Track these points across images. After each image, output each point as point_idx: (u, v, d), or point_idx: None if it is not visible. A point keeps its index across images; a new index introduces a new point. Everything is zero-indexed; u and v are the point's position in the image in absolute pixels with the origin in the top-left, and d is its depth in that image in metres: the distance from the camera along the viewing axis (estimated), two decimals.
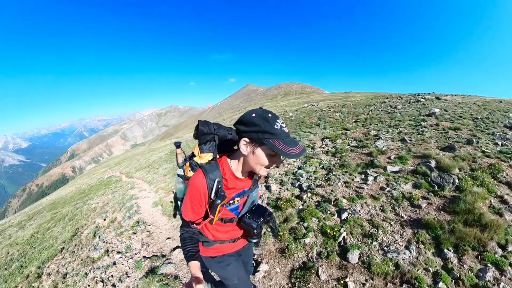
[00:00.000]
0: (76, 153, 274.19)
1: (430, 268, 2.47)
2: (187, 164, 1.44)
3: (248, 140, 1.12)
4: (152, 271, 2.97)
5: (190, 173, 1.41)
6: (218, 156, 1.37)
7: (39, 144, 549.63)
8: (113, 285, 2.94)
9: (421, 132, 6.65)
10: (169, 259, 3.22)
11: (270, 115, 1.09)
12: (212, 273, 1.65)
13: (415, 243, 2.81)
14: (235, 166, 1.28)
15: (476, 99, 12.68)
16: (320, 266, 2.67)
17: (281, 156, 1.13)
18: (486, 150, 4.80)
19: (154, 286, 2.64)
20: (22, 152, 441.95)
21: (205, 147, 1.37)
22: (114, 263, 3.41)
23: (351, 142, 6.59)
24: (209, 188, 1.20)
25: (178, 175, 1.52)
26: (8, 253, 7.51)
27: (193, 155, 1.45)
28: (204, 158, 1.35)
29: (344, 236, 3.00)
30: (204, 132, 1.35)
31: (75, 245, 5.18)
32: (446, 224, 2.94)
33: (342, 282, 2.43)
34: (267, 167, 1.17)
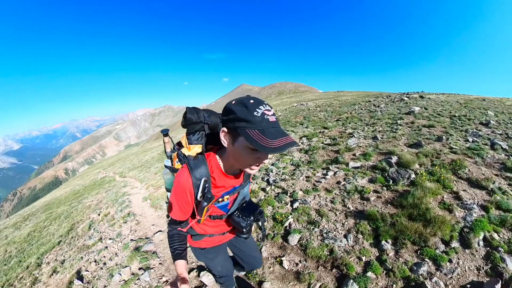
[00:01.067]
0: (68, 154, 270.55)
1: (363, 257, 2.54)
2: (175, 154, 1.35)
3: (226, 130, 0.99)
4: (136, 249, 3.55)
5: (177, 165, 1.32)
6: (206, 150, 1.24)
7: (31, 146, 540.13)
8: (104, 263, 3.49)
9: (394, 130, 6.78)
10: (151, 240, 3.82)
11: (252, 101, 0.93)
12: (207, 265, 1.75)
13: (354, 232, 2.90)
14: (224, 162, 1.16)
15: (460, 97, 13.15)
16: (265, 245, 3.02)
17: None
18: (454, 147, 4.85)
19: (136, 260, 3.23)
20: (14, 154, 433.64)
21: (193, 138, 1.24)
22: (106, 247, 3.96)
23: (325, 140, 6.98)
24: (194, 187, 1.12)
25: (166, 166, 1.44)
26: (6, 251, 7.77)
27: (181, 145, 1.32)
28: (192, 150, 1.22)
29: (290, 222, 3.30)
30: (193, 121, 1.21)
31: (72, 237, 5.68)
32: (389, 217, 2.96)
33: (278, 260, 2.74)
34: (251, 164, 1.01)
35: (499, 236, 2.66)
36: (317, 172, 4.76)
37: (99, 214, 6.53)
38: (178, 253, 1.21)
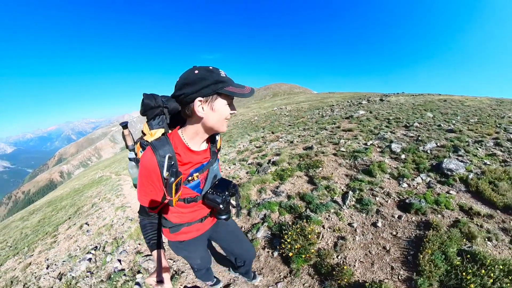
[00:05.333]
0: (64, 157, 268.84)
1: None
2: (138, 145, 1.31)
3: (202, 98, 1.04)
4: (121, 206, 5.95)
5: (141, 154, 1.22)
6: (169, 131, 1.26)
7: (24, 148, 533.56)
8: (102, 216, 5.82)
9: (315, 134, 7.51)
10: (130, 202, 6.23)
11: (211, 67, 1.06)
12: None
13: None
14: (188, 137, 1.18)
15: (423, 98, 13.41)
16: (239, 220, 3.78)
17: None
18: (342, 150, 5.37)
19: (119, 210, 5.64)
20: (7, 158, 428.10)
21: (154, 123, 1.25)
22: (104, 211, 6.27)
23: (258, 144, 8.00)
24: (160, 166, 1.11)
25: (130, 159, 1.41)
26: (22, 233, 9.38)
27: (144, 134, 1.30)
28: (155, 135, 1.22)
29: None
30: (151, 106, 1.23)
31: (79, 214, 7.83)
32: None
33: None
34: (227, 118, 1.13)
35: (279, 217, 3.42)
36: (225, 165, 6.39)
37: (99, 199, 8.74)
38: (153, 243, 1.23)
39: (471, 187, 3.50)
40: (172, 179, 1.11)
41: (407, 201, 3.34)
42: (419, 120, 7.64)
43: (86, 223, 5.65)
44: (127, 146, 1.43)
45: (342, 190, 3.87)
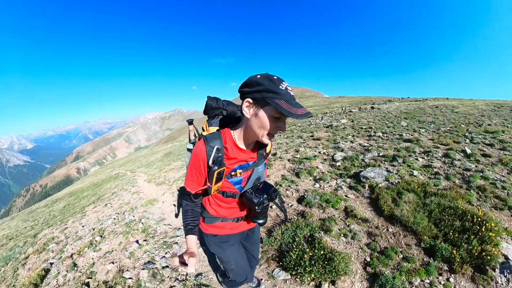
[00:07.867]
0: (80, 155, 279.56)
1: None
2: (197, 139, 1.50)
3: (251, 101, 1.11)
4: (136, 192, 7.59)
5: None
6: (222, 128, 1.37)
7: (44, 145, 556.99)
8: (122, 199, 7.44)
9: (289, 143, 8.01)
10: (142, 189, 7.89)
11: (275, 77, 1.08)
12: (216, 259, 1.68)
13: None
14: (238, 135, 1.27)
15: (415, 105, 13.24)
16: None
17: (285, 121, 1.13)
18: (297, 157, 5.84)
19: (134, 195, 7.25)
20: (27, 153, 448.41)
21: (212, 121, 1.41)
22: (122, 196, 7.91)
23: None
24: (208, 155, 1.22)
25: (188, 150, 1.54)
26: (50, 214, 10.63)
27: (203, 130, 1.47)
28: (211, 131, 1.36)
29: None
30: (212, 107, 1.39)
31: (101, 200, 9.48)
32: None
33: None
34: (271, 132, 1.14)
35: None
36: None
37: (118, 189, 10.42)
38: (190, 228, 1.36)
39: (373, 195, 3.69)
40: (215, 167, 1.24)
41: (305, 196, 4.01)
42: (390, 129, 7.66)
43: (109, 203, 7.30)
44: (190, 140, 1.59)
45: None
